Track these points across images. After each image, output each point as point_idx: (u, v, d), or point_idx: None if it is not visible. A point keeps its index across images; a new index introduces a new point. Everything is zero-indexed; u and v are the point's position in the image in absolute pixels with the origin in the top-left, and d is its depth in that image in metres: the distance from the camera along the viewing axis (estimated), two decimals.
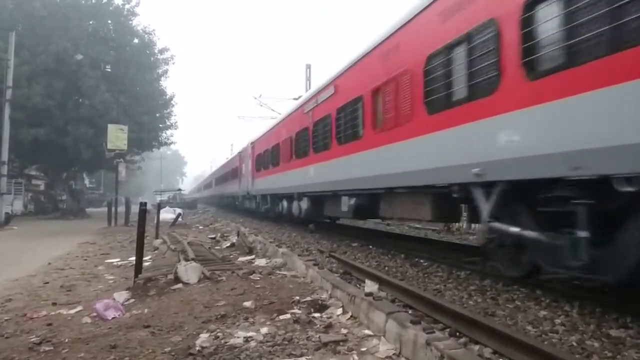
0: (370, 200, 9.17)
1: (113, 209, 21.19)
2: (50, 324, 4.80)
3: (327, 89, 10.98)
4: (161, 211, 17.84)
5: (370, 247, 9.95)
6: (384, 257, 8.51)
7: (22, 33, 23.17)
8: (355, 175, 9.04)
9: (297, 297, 5.22)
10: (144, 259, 7.49)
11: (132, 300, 5.87)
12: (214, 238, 13.08)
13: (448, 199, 6.47)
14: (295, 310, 4.71)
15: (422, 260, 7.86)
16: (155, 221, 14.79)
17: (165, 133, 32.39)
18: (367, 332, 4.02)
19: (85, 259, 9.89)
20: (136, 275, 6.66)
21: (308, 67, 28.19)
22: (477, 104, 5.40)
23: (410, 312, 4.28)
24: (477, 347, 3.42)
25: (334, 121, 10.23)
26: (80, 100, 26.41)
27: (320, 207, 12.58)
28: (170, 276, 6.54)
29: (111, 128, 22.70)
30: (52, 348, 3.96)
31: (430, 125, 6.38)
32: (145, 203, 7.50)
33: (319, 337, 3.87)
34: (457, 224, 13.05)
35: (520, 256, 5.35)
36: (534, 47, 4.57)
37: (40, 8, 24.20)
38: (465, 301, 5.06)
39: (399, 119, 7.25)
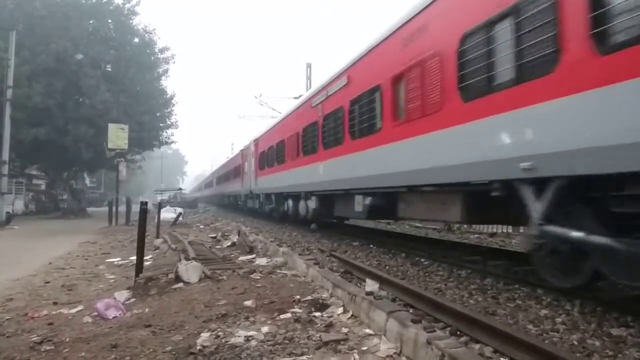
0: (387, 200, 8.47)
1: (114, 209, 21.21)
2: (51, 324, 4.80)
3: (339, 79, 10.19)
4: (162, 210, 17.86)
5: (371, 246, 9.94)
6: (385, 256, 8.51)
7: (23, 33, 23.16)
8: (372, 172, 8.31)
9: (298, 296, 5.22)
10: (145, 258, 7.49)
11: (133, 299, 5.87)
12: (214, 237, 13.09)
13: (483, 199, 5.71)
14: (296, 310, 4.71)
15: (422, 259, 7.85)
16: (156, 220, 14.79)
17: (166, 132, 32.47)
18: (367, 331, 4.02)
19: (86, 259, 9.91)
20: (137, 275, 6.66)
21: (308, 66, 28.18)
22: (529, 86, 4.63)
23: (411, 311, 4.28)
24: (477, 346, 3.42)
25: (347, 114, 9.53)
26: (81, 99, 26.42)
27: (329, 207, 11.83)
28: (171, 275, 6.54)
29: (112, 127, 22.70)
30: (53, 347, 3.96)
31: (466, 114, 5.60)
32: (146, 202, 7.50)
33: (320, 336, 3.87)
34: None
35: (578, 264, 4.59)
36: (607, 14, 3.79)
37: (41, 8, 24.20)
38: (466, 300, 5.06)
39: (425, 108, 6.47)
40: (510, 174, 4.90)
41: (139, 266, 6.82)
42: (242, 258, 8.81)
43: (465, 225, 12.95)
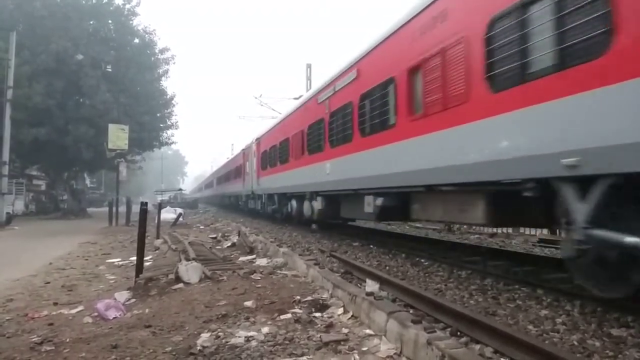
0: (399, 200, 7.94)
1: (114, 209, 21.21)
2: (51, 324, 4.80)
3: (348, 73, 9.57)
4: (162, 211, 17.87)
5: (371, 246, 9.94)
6: (385, 256, 8.51)
7: (23, 33, 23.17)
8: (384, 171, 7.78)
9: (298, 297, 5.22)
10: (145, 258, 7.50)
11: (133, 300, 5.87)
12: (214, 238, 13.10)
13: (510, 199, 5.25)
14: (296, 310, 4.71)
15: (422, 260, 7.85)
16: (156, 221, 14.81)
17: (166, 133, 32.48)
18: (368, 331, 4.02)
19: (86, 259, 9.91)
20: (137, 275, 6.66)
21: (308, 66, 28.20)
22: (572, 73, 4.14)
23: (411, 311, 4.28)
24: (478, 347, 3.42)
25: (357, 110, 8.96)
26: (81, 100, 26.44)
27: (336, 208, 11.21)
28: (171, 276, 6.54)
29: (112, 128, 22.71)
30: (53, 348, 3.96)
31: (495, 106, 5.08)
32: (146, 203, 7.50)
33: (320, 336, 3.87)
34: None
35: (628, 273, 4.09)
36: None
37: (41, 8, 24.22)
38: (466, 300, 5.06)
39: (447, 101, 5.94)
40: (549, 172, 4.39)
41: (139, 267, 6.82)
42: (242, 258, 8.81)
43: (465, 226, 12.88)
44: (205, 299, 5.37)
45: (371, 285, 5.38)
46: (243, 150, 24.77)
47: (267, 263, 8.00)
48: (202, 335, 4.04)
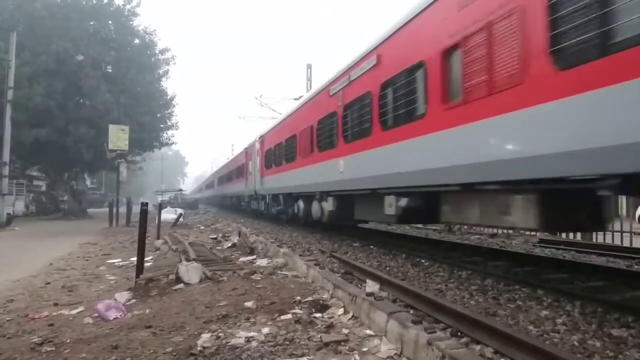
0: (426, 201, 7.18)
1: (114, 210, 21.22)
2: (51, 325, 4.81)
3: (366, 60, 8.58)
4: (162, 211, 17.89)
5: (372, 247, 9.94)
6: (385, 257, 8.50)
7: (23, 34, 23.22)
8: (410, 167, 6.96)
9: (299, 297, 5.23)
10: (146, 259, 7.50)
11: (134, 300, 5.88)
12: (215, 238, 13.10)
13: (570, 200, 4.69)
14: (297, 311, 4.71)
15: (423, 260, 7.85)
16: (157, 221, 14.81)
17: (166, 133, 32.56)
18: (368, 332, 4.02)
19: (87, 260, 9.91)
20: (137, 276, 6.67)
21: (309, 67, 28.21)
22: None
23: (411, 312, 4.28)
24: (478, 347, 3.41)
25: (376, 100, 8.02)
26: (81, 100, 26.49)
27: (349, 209, 10.28)
28: (172, 276, 6.55)
29: (112, 128, 22.73)
30: (53, 348, 3.97)
31: (563, 87, 4.25)
32: (147, 203, 7.51)
33: (321, 337, 3.87)
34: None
35: None
36: None
37: (41, 8, 24.26)
38: (467, 301, 5.06)
39: (494, 84, 5.07)
40: None
41: (140, 267, 6.83)
42: (242, 259, 8.82)
43: (465, 226, 12.65)
44: (205, 300, 5.38)
45: (371, 286, 5.38)
46: (245, 149, 23.95)
47: (268, 263, 8.00)
48: (202, 335, 4.05)
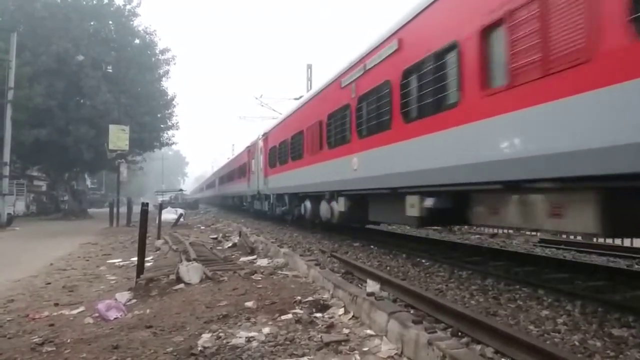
0: (456, 201, 6.51)
1: (115, 210, 21.23)
2: (52, 325, 4.81)
3: (385, 46, 7.81)
4: (163, 211, 17.90)
5: (372, 247, 9.94)
6: (386, 257, 8.50)
7: (24, 34, 23.24)
8: (439, 163, 6.20)
9: (299, 297, 5.23)
10: (146, 259, 7.50)
11: (134, 300, 5.88)
12: (215, 238, 13.10)
13: (628, 199, 4.14)
14: (297, 310, 4.71)
15: (423, 260, 7.85)
16: (157, 221, 14.82)
17: (167, 133, 32.58)
18: (369, 332, 4.02)
19: (87, 260, 9.91)
20: (138, 276, 6.67)
21: (309, 67, 28.21)
22: None
23: (412, 312, 4.28)
24: (479, 347, 3.41)
25: (398, 89, 7.27)
26: (82, 100, 26.50)
27: (362, 210, 9.59)
28: (172, 276, 6.55)
29: (112, 128, 22.74)
30: (54, 348, 3.97)
31: None
32: (147, 203, 7.52)
33: (321, 337, 3.87)
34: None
35: None
36: None
37: (42, 9, 24.29)
38: (467, 301, 5.06)
39: (552, 63, 4.31)
40: None
41: (140, 267, 6.83)
42: (243, 259, 8.82)
43: (466, 226, 12.28)
44: (206, 300, 5.38)
45: (372, 286, 5.38)
46: (248, 147, 23.17)
47: (268, 263, 8.00)
48: (203, 335, 4.05)
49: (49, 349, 3.96)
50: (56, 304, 5.79)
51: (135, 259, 7.36)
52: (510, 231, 11.68)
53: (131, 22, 28.67)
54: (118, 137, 22.63)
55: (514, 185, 5.03)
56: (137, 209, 13.28)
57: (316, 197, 12.20)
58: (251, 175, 21.53)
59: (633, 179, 3.68)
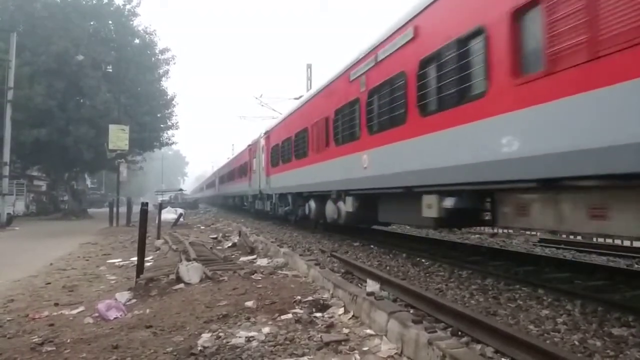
0: (478, 201, 6.16)
1: (114, 209, 21.23)
2: (52, 325, 4.81)
3: (399, 35, 7.29)
4: (162, 211, 17.88)
5: (372, 246, 9.94)
6: (386, 256, 8.50)
7: (23, 34, 23.24)
8: (462, 160, 5.69)
9: (299, 297, 5.22)
10: (146, 259, 7.50)
11: (134, 300, 5.87)
12: (215, 238, 13.10)
13: None
14: (297, 310, 4.71)
15: (423, 260, 7.85)
16: (157, 221, 14.81)
17: (167, 133, 32.59)
18: (368, 331, 4.02)
19: (87, 260, 9.91)
20: (138, 276, 6.67)
21: (309, 66, 28.21)
22: None
23: (412, 311, 4.28)
24: (479, 347, 3.42)
25: (414, 81, 6.80)
26: (82, 100, 26.49)
27: (371, 210, 9.16)
28: (172, 276, 6.55)
29: (112, 128, 22.71)
30: (54, 348, 3.97)
31: None
32: (147, 203, 7.51)
33: (321, 336, 3.87)
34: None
35: None
36: None
37: (41, 9, 24.29)
38: (467, 300, 5.06)
39: (598, 44, 3.85)
40: None
41: (140, 267, 6.83)
42: (243, 259, 8.82)
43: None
44: (206, 299, 5.38)
45: (372, 285, 5.38)
46: (249, 145, 22.64)
47: (268, 263, 7.99)
48: (202, 335, 4.05)
49: (49, 348, 3.96)
50: (56, 304, 5.79)
51: (135, 258, 7.36)
52: (510, 231, 11.66)
53: (131, 22, 28.67)
54: (118, 137, 22.60)
55: (550, 184, 4.57)
56: (136, 208, 13.27)
57: (321, 197, 11.83)
58: (252, 174, 21.20)
59: None
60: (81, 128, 24.48)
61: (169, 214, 21.08)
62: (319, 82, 13.34)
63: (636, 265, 7.09)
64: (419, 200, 6.80)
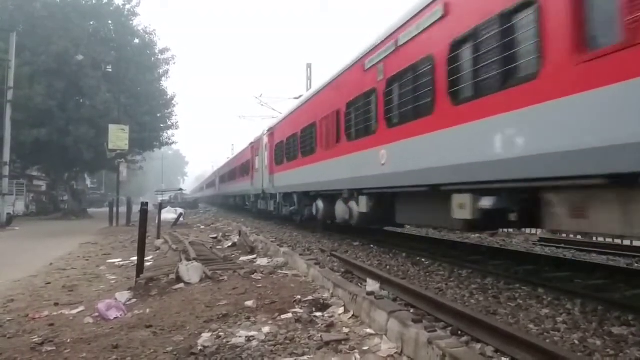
0: (523, 201, 5.24)
1: (114, 209, 21.22)
2: (52, 324, 4.81)
3: (424, 15, 6.50)
4: (162, 211, 17.89)
5: (372, 246, 9.94)
6: (386, 256, 8.50)
7: (23, 34, 23.25)
8: (509, 153, 4.87)
9: (299, 297, 5.23)
10: (146, 259, 7.50)
11: (134, 300, 5.88)
12: (215, 238, 13.10)
13: None
14: (297, 310, 4.71)
15: (423, 259, 7.85)
16: (157, 221, 14.81)
17: (167, 133, 32.60)
18: (368, 331, 4.02)
19: (87, 259, 9.91)
20: (138, 275, 6.67)
21: (309, 66, 28.21)
22: None
23: (411, 311, 4.28)
24: (479, 346, 3.42)
25: (443, 65, 6.00)
26: (82, 100, 26.49)
27: (387, 211, 8.39)
28: (172, 276, 6.55)
29: (112, 128, 22.71)
30: (54, 348, 3.97)
31: None
32: (147, 203, 7.51)
33: (321, 336, 3.87)
34: None
35: None
36: None
37: (41, 9, 24.29)
38: (467, 300, 5.06)
39: None
40: None
41: (140, 267, 6.83)
42: (243, 258, 8.82)
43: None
44: (206, 299, 5.38)
45: (372, 285, 5.38)
46: (251, 143, 21.92)
47: (268, 263, 8.00)
48: (203, 335, 4.05)
49: (49, 348, 3.96)
50: (56, 304, 5.79)
51: (135, 258, 7.36)
52: (510, 230, 11.58)
53: (131, 22, 28.67)
54: (118, 137, 22.59)
55: (624, 181, 3.77)
56: (136, 208, 13.26)
57: (330, 197, 11.10)
58: (255, 173, 20.53)
59: None
60: (81, 128, 24.48)
61: (168, 214, 21.07)
62: (320, 80, 13.04)
63: (636, 264, 7.09)
64: (447, 200, 6.03)
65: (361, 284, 5.74)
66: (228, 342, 3.84)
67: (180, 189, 57.48)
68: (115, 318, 4.98)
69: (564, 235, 9.86)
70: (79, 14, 25.71)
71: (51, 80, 23.94)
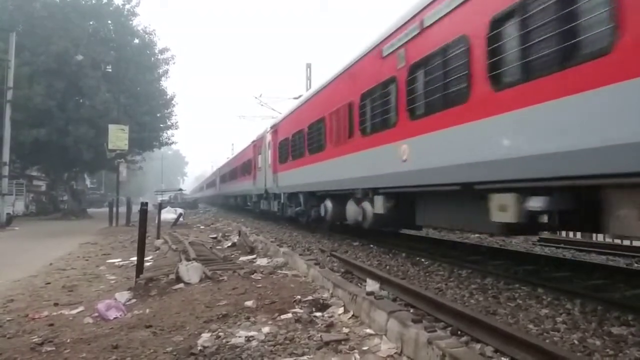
0: (579, 202, 4.57)
1: (114, 209, 21.21)
2: (52, 325, 4.81)
3: None
4: (162, 211, 17.88)
5: (371, 246, 9.93)
6: (385, 256, 8.50)
7: (23, 34, 23.24)
8: (568, 145, 4.09)
9: (299, 297, 5.23)
10: (146, 259, 7.50)
11: (134, 300, 5.87)
12: (215, 238, 13.10)
13: None
14: (297, 310, 4.71)
15: (423, 259, 7.85)
16: (157, 221, 14.81)
17: (166, 133, 32.59)
18: (368, 331, 4.02)
19: (87, 259, 9.91)
20: (137, 276, 6.67)
21: (308, 66, 28.19)
22: None
23: (411, 311, 4.28)
24: (478, 346, 3.42)
25: (481, 46, 5.19)
26: (81, 100, 26.47)
27: (407, 212, 7.67)
28: (172, 276, 6.55)
29: (112, 128, 22.70)
30: (54, 348, 3.97)
31: None
32: (147, 203, 7.51)
33: (321, 336, 3.87)
34: None
35: None
36: None
37: (41, 9, 24.29)
38: (467, 300, 5.06)
39: None
40: None
41: (140, 267, 6.83)
42: (242, 258, 8.82)
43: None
44: (205, 299, 5.38)
45: (372, 285, 5.38)
46: (254, 141, 21.16)
47: (268, 263, 8.00)
48: (202, 335, 4.05)
49: (49, 348, 3.96)
50: (56, 304, 5.79)
51: (135, 258, 7.36)
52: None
53: (130, 22, 28.66)
54: (117, 137, 22.58)
55: None
56: (136, 208, 13.24)
57: (341, 197, 10.30)
58: (257, 172, 19.73)
59: None
60: (81, 128, 24.47)
61: (168, 214, 21.06)
62: (319, 81, 12.83)
63: (635, 264, 7.09)
64: (481, 200, 5.34)
65: (361, 284, 5.74)
66: (228, 342, 3.84)
67: (180, 189, 57.46)
68: (114, 318, 4.98)
69: (563, 234, 9.86)
70: (78, 14, 25.70)
71: (51, 80, 23.93)
